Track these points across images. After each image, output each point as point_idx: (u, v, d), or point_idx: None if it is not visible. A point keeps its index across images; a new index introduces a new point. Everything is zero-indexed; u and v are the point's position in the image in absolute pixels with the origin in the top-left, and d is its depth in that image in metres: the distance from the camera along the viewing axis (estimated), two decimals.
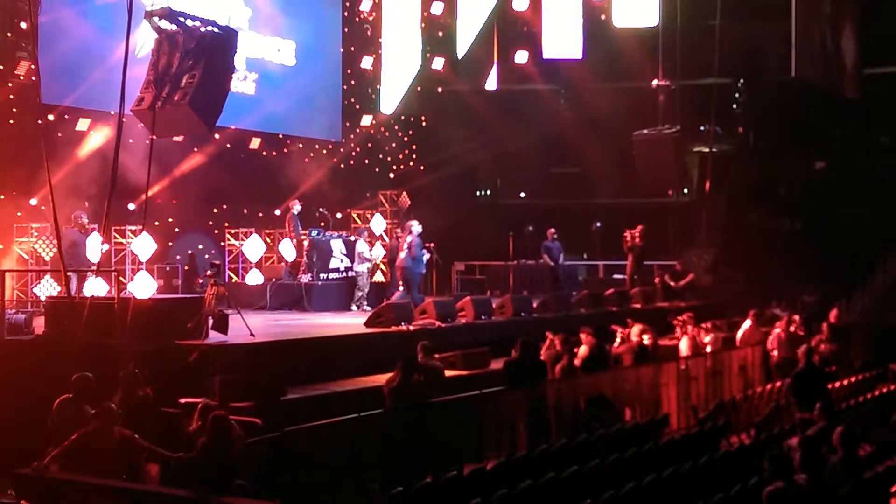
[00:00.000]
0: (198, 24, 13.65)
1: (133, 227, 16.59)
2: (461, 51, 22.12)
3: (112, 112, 14.75)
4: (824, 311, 18.59)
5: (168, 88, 13.61)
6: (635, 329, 15.15)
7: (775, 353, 16.11)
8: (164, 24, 13.55)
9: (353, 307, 17.93)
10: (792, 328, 16.60)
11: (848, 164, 26.24)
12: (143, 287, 14.07)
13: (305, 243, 18.90)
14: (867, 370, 16.24)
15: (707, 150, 24.91)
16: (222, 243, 19.92)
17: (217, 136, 18.91)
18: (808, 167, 26.36)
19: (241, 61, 19.67)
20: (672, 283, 20.40)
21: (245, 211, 20.72)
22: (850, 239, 23.15)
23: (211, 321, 12.51)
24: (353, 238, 18.73)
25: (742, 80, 25.33)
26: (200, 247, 19.54)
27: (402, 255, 16.71)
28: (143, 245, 14.93)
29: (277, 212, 20.75)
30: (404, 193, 21.00)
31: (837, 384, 15.19)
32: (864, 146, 26.59)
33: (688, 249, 23.91)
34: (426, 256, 17.24)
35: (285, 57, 21.67)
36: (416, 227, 16.83)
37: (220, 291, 13.47)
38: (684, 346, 15.82)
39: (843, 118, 26.61)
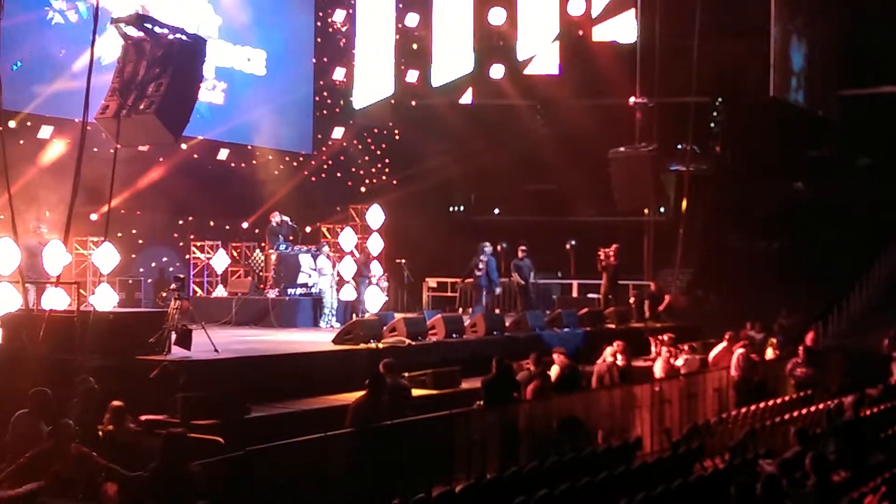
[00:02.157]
0: (166, 31, 13.40)
1: (95, 239, 16.18)
2: (436, 64, 21.95)
3: (76, 120, 14.40)
4: (801, 334, 18.50)
5: (134, 96, 13.33)
6: (611, 350, 14.95)
7: (734, 373, 16.04)
8: (131, 31, 13.30)
9: (324, 323, 17.60)
10: (754, 350, 16.56)
11: (825, 186, 26.27)
12: (105, 300, 13.69)
13: (273, 257, 18.58)
14: (844, 394, 16.09)
15: (684, 169, 24.80)
16: (187, 256, 19.54)
17: (184, 146, 18.59)
18: (785, 188, 26.36)
19: (211, 70, 19.36)
20: (649, 312, 20.22)
21: (211, 223, 20.34)
22: (826, 261, 23.12)
23: (174, 336, 12.16)
24: (317, 253, 18.42)
25: (720, 100, 25.30)
26: (165, 259, 19.15)
27: (479, 273, 18.88)
28: (106, 257, 14.53)
29: (246, 224, 20.41)
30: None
31: (813, 408, 15.04)
32: (842, 168, 26.64)
33: (663, 269, 23.77)
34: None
35: (256, 66, 21.39)
36: (486, 247, 19.02)
37: (184, 306, 13.14)
38: (658, 368, 15.63)
39: (821, 139, 26.68)
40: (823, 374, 17.21)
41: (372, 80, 21.48)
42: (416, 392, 12.75)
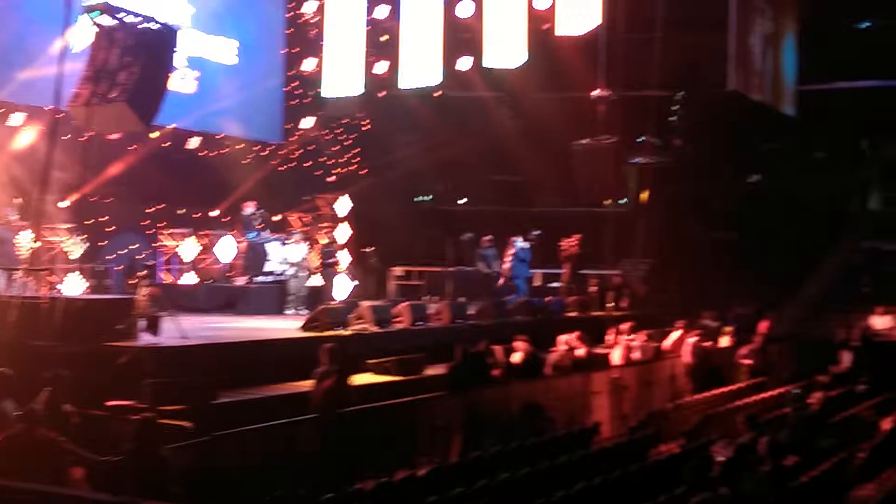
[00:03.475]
0: (137, 19, 13.51)
1: (66, 226, 16.27)
2: (404, 56, 22.09)
3: (47, 107, 14.48)
4: (755, 323, 18.98)
5: (105, 85, 13.44)
6: (568, 338, 15.32)
7: (689, 360, 16.50)
8: (103, 20, 13.37)
9: (290, 310, 17.80)
10: (708, 338, 17.02)
11: (781, 179, 26.79)
12: (74, 287, 13.82)
13: (242, 245, 18.74)
14: (795, 381, 16.59)
15: (645, 161, 25.23)
16: (157, 244, 19.64)
17: (155, 134, 18.66)
18: (743, 180, 26.84)
19: (183, 59, 19.41)
20: (615, 304, 20.64)
21: (181, 211, 20.45)
22: (782, 252, 23.62)
23: (142, 323, 12.33)
24: (286, 242, 18.61)
25: (680, 93, 25.69)
26: (135, 247, 19.23)
27: (507, 265, 19.96)
28: (75, 244, 14.67)
29: (215, 213, 20.52)
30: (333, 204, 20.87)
31: (766, 395, 15.52)
32: (798, 161, 27.17)
33: (624, 259, 24.18)
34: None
35: (228, 56, 21.46)
36: (518, 242, 19.94)
37: (153, 292, 13.30)
38: (617, 356, 16.03)
39: (779, 133, 27.16)
40: (776, 361, 17.74)
41: (341, 70, 21.56)
42: (380, 379, 13.06)
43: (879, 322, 20.86)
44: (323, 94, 21.92)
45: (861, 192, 27.38)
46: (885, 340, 19.91)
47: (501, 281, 20.26)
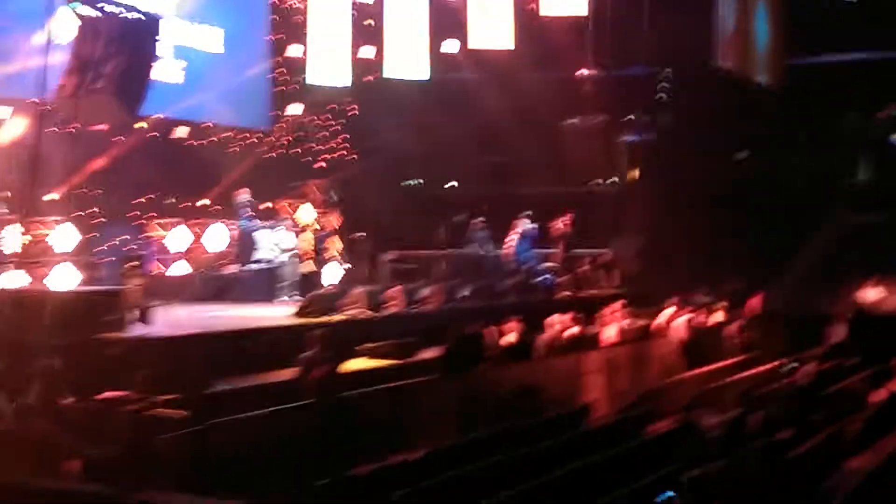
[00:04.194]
0: (120, 10, 13.47)
1: (54, 218, 16.22)
2: (389, 41, 22.02)
3: (32, 100, 14.42)
4: (746, 299, 19.03)
5: (90, 76, 13.44)
6: (560, 319, 15.35)
7: (683, 338, 16.56)
8: (85, 11, 13.34)
9: (285, 297, 17.76)
10: (701, 315, 17.07)
11: (770, 154, 26.80)
12: (65, 279, 13.80)
13: (234, 233, 18.73)
14: (788, 356, 16.65)
15: (634, 139, 25.21)
16: (147, 234, 19.61)
17: (143, 124, 18.61)
18: (732, 157, 26.84)
19: (169, 49, 19.33)
20: (606, 280, 20.67)
21: (171, 201, 20.40)
22: (772, 227, 23.65)
23: (134, 313, 12.32)
24: (277, 229, 18.57)
25: (669, 71, 25.66)
26: (125, 238, 19.19)
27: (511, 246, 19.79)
28: (65, 236, 14.63)
29: (205, 202, 20.49)
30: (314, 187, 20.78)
31: (758, 370, 15.57)
32: (786, 137, 27.18)
33: (616, 238, 24.20)
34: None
35: (214, 45, 21.37)
36: (524, 224, 19.77)
37: (144, 283, 13.29)
38: (610, 335, 16.06)
39: (766, 109, 27.15)
40: (768, 336, 17.79)
41: (327, 58, 21.45)
42: (374, 363, 13.08)
43: (870, 295, 20.92)
44: (308, 82, 21.81)
45: (849, 165, 27.40)
46: (875, 313, 19.97)
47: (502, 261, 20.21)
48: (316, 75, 21.58)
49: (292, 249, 18.02)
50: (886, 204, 25.18)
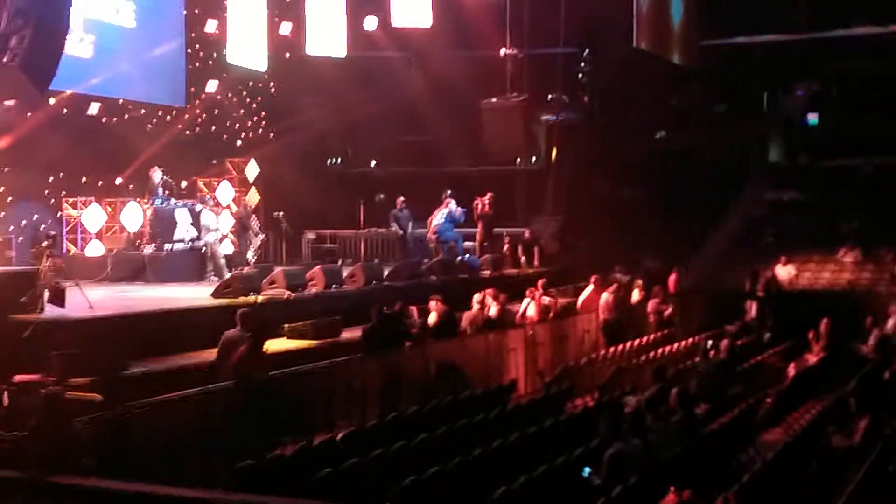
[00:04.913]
0: None
1: None
2: (310, 17, 21.73)
3: None
4: (664, 276, 19.37)
5: None
6: (482, 297, 15.41)
7: (603, 315, 16.79)
8: None
9: (211, 278, 17.42)
10: (621, 293, 17.31)
11: (686, 134, 27.27)
12: None
13: (149, 213, 18.35)
14: (703, 332, 17.01)
15: (554, 119, 25.38)
16: (60, 213, 19.11)
17: (52, 100, 18.06)
18: (650, 136, 27.24)
19: (78, 22, 18.70)
20: (526, 261, 20.78)
21: (84, 179, 19.89)
22: (688, 206, 24.09)
23: (47, 294, 12.01)
24: (198, 208, 18.23)
25: (587, 51, 25.86)
26: (37, 217, 18.67)
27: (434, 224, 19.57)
28: None
29: (120, 180, 20.01)
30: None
31: (675, 346, 15.87)
32: (702, 116, 27.67)
33: (535, 217, 24.38)
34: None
35: (124, 18, 20.81)
36: (450, 203, 19.54)
37: (57, 263, 12.95)
38: (532, 312, 16.17)
39: (683, 88, 27.58)
40: (684, 313, 18.15)
41: (245, 36, 21.03)
42: (296, 344, 12.97)
43: (782, 272, 21.48)
44: (228, 61, 21.36)
45: (762, 144, 28.03)
46: (787, 290, 20.51)
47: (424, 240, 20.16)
48: (235, 55, 21.13)
49: (213, 229, 17.66)
50: (799, 183, 25.87)
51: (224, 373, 10.60)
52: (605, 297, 16.98)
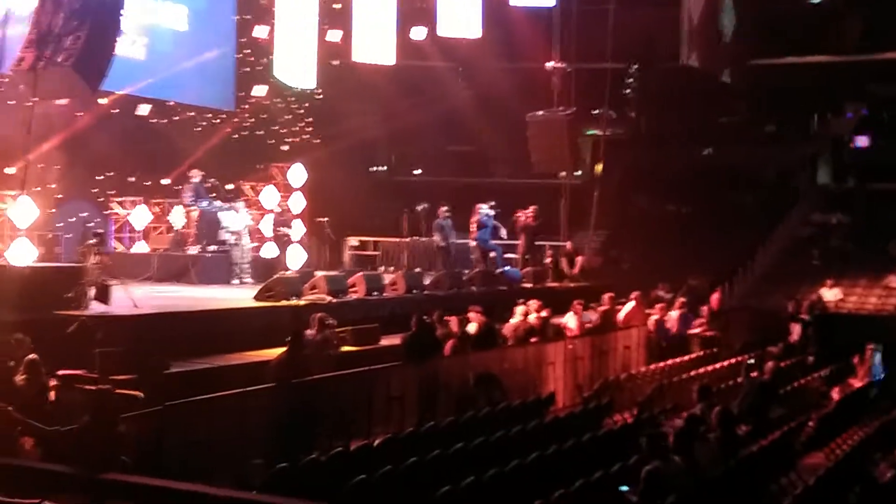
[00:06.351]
0: None
1: (12, 193, 15.90)
2: (358, 24, 21.84)
3: None
4: (707, 294, 19.17)
5: (51, 49, 13.15)
6: (525, 308, 15.35)
7: (642, 331, 16.65)
8: None
9: (235, 280, 17.55)
10: (677, 310, 17.15)
11: (733, 152, 27.03)
12: (23, 255, 13.51)
13: (195, 214, 18.50)
14: (747, 352, 16.78)
15: (599, 133, 25.28)
16: (107, 212, 19.34)
17: (104, 100, 18.30)
18: (696, 153, 27.05)
19: (132, 25, 19.00)
20: (567, 270, 20.68)
21: (132, 179, 20.12)
22: (733, 224, 23.86)
23: (92, 291, 12.13)
24: (237, 210, 18.39)
25: (635, 66, 25.75)
26: (85, 215, 18.91)
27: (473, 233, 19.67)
28: (23, 211, 14.32)
29: (167, 181, 20.23)
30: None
31: (717, 365, 15.69)
32: (749, 135, 27.42)
33: (578, 231, 24.27)
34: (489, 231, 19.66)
35: (177, 22, 21.07)
36: (482, 208, 19.46)
37: (103, 261, 13.07)
38: (572, 326, 16.08)
39: (731, 107, 27.39)
40: (727, 332, 17.93)
41: (295, 54, 21.13)
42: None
43: (829, 294, 21.17)
44: (275, 75, 21.40)
45: (811, 165, 27.73)
46: (833, 312, 20.21)
47: (473, 250, 20.14)
48: (282, 72, 21.18)
49: (244, 231, 17.79)
50: (846, 205, 25.53)
51: (266, 375, 10.67)
52: (646, 312, 16.83)
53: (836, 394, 13.99)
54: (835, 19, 26.74)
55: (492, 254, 19.65)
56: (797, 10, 27.17)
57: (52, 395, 9.21)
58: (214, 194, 18.99)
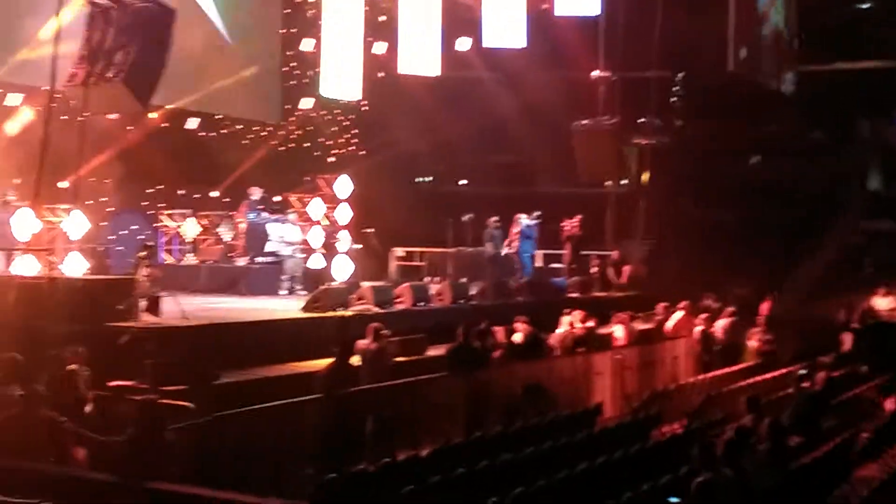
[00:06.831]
0: None
1: (64, 206, 16.20)
2: (403, 37, 21.93)
3: (43, 88, 14.38)
4: (756, 304, 18.95)
5: (102, 64, 13.36)
6: (571, 318, 15.30)
7: (690, 341, 16.50)
8: None
9: (284, 291, 17.69)
10: (724, 319, 17.00)
11: (781, 160, 26.73)
12: (75, 267, 13.74)
13: (243, 226, 18.69)
14: (798, 363, 16.55)
15: (645, 142, 25.12)
16: (157, 224, 19.60)
17: (153, 114, 18.57)
18: (743, 161, 26.77)
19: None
20: (614, 279, 20.60)
21: (181, 192, 20.39)
22: (782, 233, 23.57)
23: (143, 303, 12.29)
24: (283, 222, 18.56)
25: (681, 74, 25.58)
26: (135, 227, 19.20)
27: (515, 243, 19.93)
28: (75, 224, 14.57)
29: (215, 193, 20.47)
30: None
31: (768, 376, 15.49)
32: (798, 142, 27.09)
33: (625, 240, 24.13)
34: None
35: (226, 36, 21.31)
36: (522, 219, 19.74)
37: (154, 273, 13.25)
38: (619, 336, 16.00)
39: (778, 114, 27.07)
40: (778, 343, 17.70)
41: (341, 53, 21.25)
42: None
43: (882, 303, 20.81)
44: (321, 93, 21.52)
45: (860, 173, 27.33)
46: (886, 321, 19.87)
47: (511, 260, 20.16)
48: (329, 85, 21.27)
49: (299, 243, 17.96)
50: None
51: (313, 386, 10.73)
52: (694, 322, 16.70)
53: (889, 404, 13.73)
54: (883, 24, 26.36)
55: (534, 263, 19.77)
56: (846, 15, 26.85)
57: (90, 407, 9.31)
58: (262, 206, 19.18)
